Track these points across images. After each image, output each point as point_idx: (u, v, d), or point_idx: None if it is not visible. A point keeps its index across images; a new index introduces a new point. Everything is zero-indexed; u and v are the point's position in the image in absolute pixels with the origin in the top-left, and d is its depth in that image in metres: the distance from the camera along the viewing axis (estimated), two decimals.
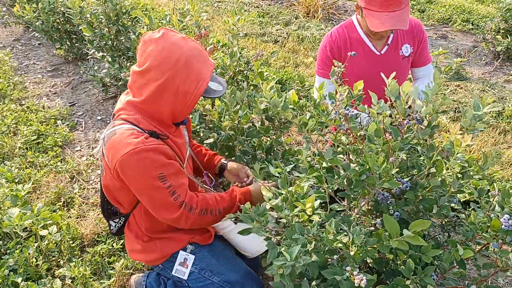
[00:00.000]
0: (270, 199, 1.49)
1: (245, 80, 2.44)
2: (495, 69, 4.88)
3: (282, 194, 1.50)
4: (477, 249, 1.47)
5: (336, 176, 1.52)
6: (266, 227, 1.45)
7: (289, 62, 4.82)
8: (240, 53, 2.66)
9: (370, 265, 1.59)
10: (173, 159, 1.61)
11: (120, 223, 1.81)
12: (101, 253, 2.16)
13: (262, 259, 1.90)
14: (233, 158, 2.16)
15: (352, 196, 1.52)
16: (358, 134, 1.58)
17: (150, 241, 1.76)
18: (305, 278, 1.50)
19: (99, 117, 3.52)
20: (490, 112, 3.69)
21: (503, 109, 3.75)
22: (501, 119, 3.65)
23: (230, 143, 2.20)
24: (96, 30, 3.25)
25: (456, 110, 3.82)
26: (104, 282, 2.00)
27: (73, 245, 2.23)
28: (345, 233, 1.33)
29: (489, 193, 1.54)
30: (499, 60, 4.99)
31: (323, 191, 1.52)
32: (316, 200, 1.38)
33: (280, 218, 1.48)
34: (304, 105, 1.65)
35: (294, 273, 1.33)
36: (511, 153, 3.17)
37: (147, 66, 1.50)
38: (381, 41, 2.22)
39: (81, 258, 2.17)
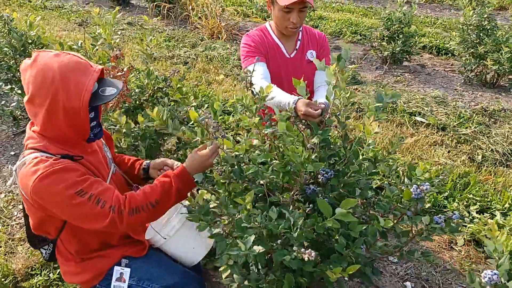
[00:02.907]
0: (210, 200, 1.60)
1: (165, 96, 2.53)
2: (385, 72, 5.46)
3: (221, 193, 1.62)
4: (395, 221, 1.69)
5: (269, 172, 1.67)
6: (212, 224, 1.54)
7: (201, 81, 4.96)
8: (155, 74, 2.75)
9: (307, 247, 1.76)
10: (86, 175, 1.56)
11: (50, 249, 1.77)
12: (38, 286, 2.07)
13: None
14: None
15: (285, 186, 1.68)
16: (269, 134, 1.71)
17: (82, 261, 1.73)
18: (252, 268, 1.61)
19: (12, 152, 3.33)
20: (387, 108, 4.14)
21: (396, 105, 4.23)
22: (396, 114, 4.12)
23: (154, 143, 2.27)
24: (2, 63, 3.12)
25: (358, 110, 4.22)
26: None
27: (6, 282, 2.09)
28: (286, 218, 1.47)
29: (397, 168, 1.80)
30: (387, 64, 5.59)
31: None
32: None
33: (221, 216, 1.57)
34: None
35: (244, 263, 1.43)
36: (408, 142, 3.60)
37: (30, 95, 1.48)
38: (291, 46, 2.47)
39: None
